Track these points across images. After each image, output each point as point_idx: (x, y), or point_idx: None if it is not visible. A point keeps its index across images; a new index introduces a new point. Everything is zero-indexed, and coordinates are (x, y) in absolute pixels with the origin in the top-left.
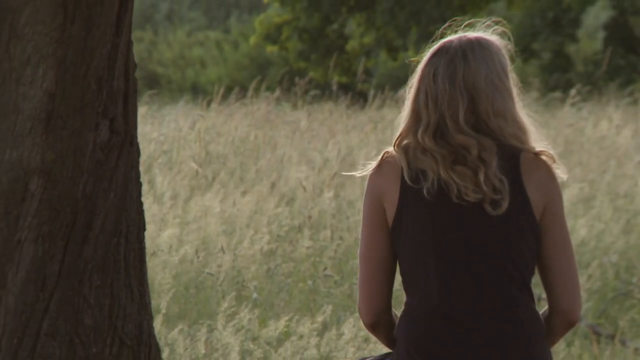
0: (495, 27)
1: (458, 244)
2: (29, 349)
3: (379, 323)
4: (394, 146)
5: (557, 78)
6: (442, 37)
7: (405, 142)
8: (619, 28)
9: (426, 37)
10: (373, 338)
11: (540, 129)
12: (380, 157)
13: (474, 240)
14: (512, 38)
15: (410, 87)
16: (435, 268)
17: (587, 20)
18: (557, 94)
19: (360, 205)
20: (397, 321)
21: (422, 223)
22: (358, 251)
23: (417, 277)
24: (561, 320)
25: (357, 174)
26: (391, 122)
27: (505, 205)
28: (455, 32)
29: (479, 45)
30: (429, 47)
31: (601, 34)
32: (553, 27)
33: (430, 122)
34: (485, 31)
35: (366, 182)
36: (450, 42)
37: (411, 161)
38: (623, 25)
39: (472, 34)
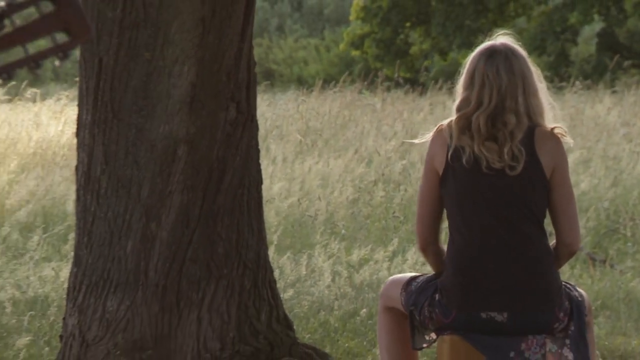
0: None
1: (488, 198)
2: (177, 270)
3: (428, 249)
4: (447, 124)
5: (562, 73)
6: (478, 44)
7: (454, 122)
8: (607, 36)
9: (467, 43)
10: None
11: (556, 110)
12: (435, 129)
13: (499, 194)
14: (522, 45)
15: (468, 82)
16: (472, 214)
17: (584, 30)
18: (563, 84)
19: (419, 166)
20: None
21: (462, 183)
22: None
23: (458, 220)
24: (565, 250)
25: (417, 141)
26: (443, 104)
27: (519, 168)
28: (484, 40)
29: (515, 48)
30: (472, 51)
31: (595, 40)
32: (558, 35)
33: (491, 105)
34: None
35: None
36: (497, 46)
37: (455, 138)
38: (611, 34)
39: (503, 40)
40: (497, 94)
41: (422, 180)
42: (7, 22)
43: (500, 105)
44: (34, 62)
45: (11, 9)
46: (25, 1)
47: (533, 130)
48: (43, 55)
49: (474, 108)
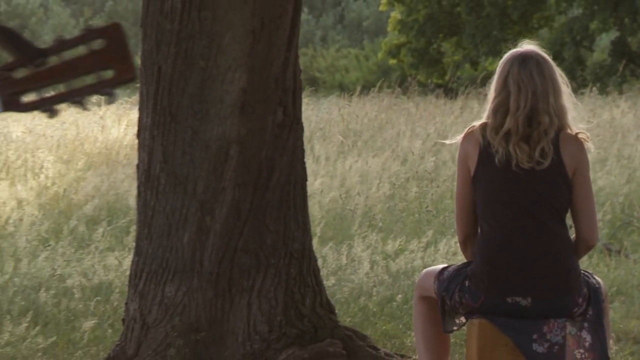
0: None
1: (516, 194)
2: (229, 259)
3: (467, 242)
4: (480, 126)
5: (577, 77)
6: (504, 52)
7: (489, 124)
8: (621, 45)
9: (493, 52)
10: (458, 253)
11: (580, 110)
12: (465, 131)
13: (526, 191)
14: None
15: (502, 86)
16: (500, 209)
17: (600, 39)
18: (582, 91)
19: (450, 165)
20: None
21: (493, 180)
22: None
23: (488, 213)
24: (584, 245)
25: (448, 142)
26: (471, 108)
27: (546, 164)
28: (510, 48)
29: (544, 54)
30: (499, 59)
31: (609, 48)
32: (576, 42)
33: (527, 107)
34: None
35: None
36: (528, 52)
37: (487, 137)
38: (624, 42)
39: (531, 47)
40: (532, 97)
41: (457, 180)
42: (55, 58)
43: (535, 107)
44: (79, 97)
45: (60, 45)
46: (74, 39)
47: (558, 134)
48: (86, 91)
49: (513, 110)
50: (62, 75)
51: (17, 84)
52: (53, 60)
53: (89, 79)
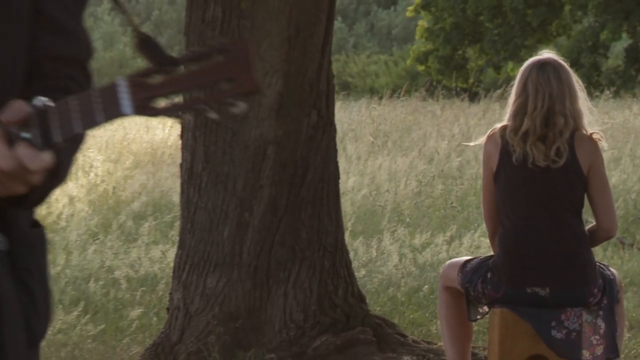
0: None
1: (533, 190)
2: (267, 252)
3: (494, 237)
4: (501, 128)
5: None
6: (526, 59)
7: (509, 126)
8: (634, 51)
9: (514, 57)
10: (481, 246)
11: (594, 114)
12: (488, 133)
13: (543, 187)
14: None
15: (521, 90)
16: (519, 204)
17: (615, 46)
18: (597, 94)
19: (473, 164)
20: None
21: (512, 178)
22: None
23: (508, 209)
24: (604, 235)
25: (472, 143)
26: (493, 110)
27: (561, 163)
28: (531, 55)
29: (561, 61)
30: (520, 64)
31: (623, 54)
32: (592, 49)
33: (544, 108)
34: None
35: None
36: (547, 59)
37: (507, 138)
38: (636, 49)
39: (549, 55)
40: (549, 99)
41: (483, 179)
42: (185, 67)
43: (551, 109)
44: (204, 105)
45: (192, 56)
46: (205, 50)
47: (574, 134)
48: (211, 99)
49: (531, 111)
50: (190, 83)
51: (149, 89)
52: (183, 69)
53: (215, 89)
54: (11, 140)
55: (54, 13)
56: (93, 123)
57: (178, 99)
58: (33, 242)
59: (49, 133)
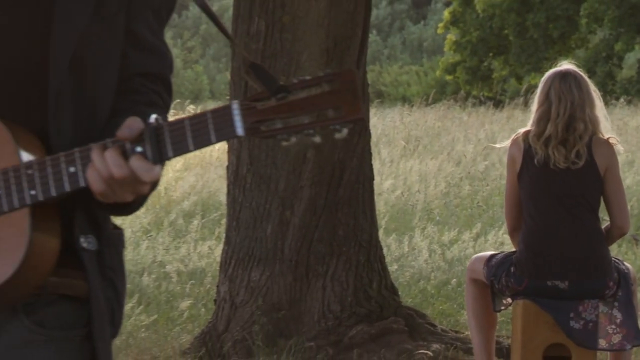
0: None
1: (554, 190)
2: (306, 248)
3: (514, 233)
4: (524, 133)
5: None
6: (546, 69)
7: (532, 131)
8: None
9: (536, 68)
10: (505, 242)
11: (609, 122)
12: (512, 138)
13: (562, 187)
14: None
15: (544, 98)
16: (541, 203)
17: (629, 57)
18: (613, 102)
19: (498, 166)
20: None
21: (534, 179)
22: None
23: (530, 207)
24: (618, 232)
25: (497, 146)
26: (517, 117)
27: (580, 164)
28: (552, 66)
29: (581, 72)
30: (541, 74)
31: (636, 65)
32: (606, 60)
33: (566, 115)
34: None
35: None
36: (568, 70)
37: (530, 142)
38: None
39: (569, 66)
40: (571, 106)
41: (506, 181)
42: (294, 94)
43: (572, 115)
44: (312, 129)
45: (301, 84)
46: (313, 79)
47: (592, 138)
48: (318, 125)
49: (554, 117)
50: (299, 110)
51: (260, 113)
52: (292, 96)
53: (322, 115)
54: (125, 153)
55: (142, 32)
56: (207, 142)
57: (287, 122)
58: (116, 242)
59: (164, 148)
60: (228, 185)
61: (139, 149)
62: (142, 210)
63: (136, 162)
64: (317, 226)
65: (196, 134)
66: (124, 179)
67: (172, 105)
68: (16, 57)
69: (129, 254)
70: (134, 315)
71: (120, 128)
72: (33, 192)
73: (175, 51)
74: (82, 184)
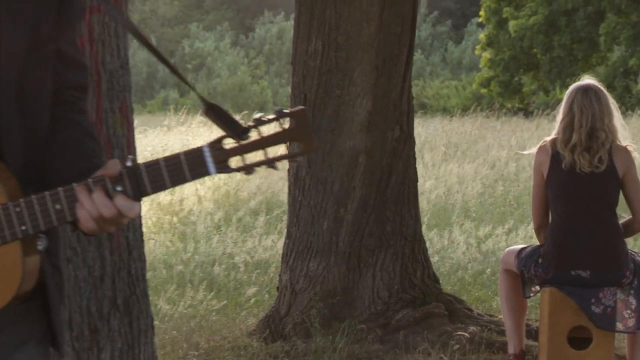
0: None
1: (579, 192)
2: (358, 242)
3: (540, 230)
4: (551, 141)
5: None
6: (570, 84)
7: (559, 139)
8: None
9: (562, 84)
10: (534, 237)
11: (627, 131)
12: (539, 144)
13: (586, 189)
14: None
15: (568, 110)
16: (567, 203)
17: None
18: (629, 113)
19: (528, 169)
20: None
21: (561, 181)
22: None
23: (558, 207)
24: (638, 225)
25: (526, 152)
26: (544, 127)
27: (602, 168)
28: (575, 81)
29: (601, 86)
30: (566, 88)
31: None
32: (623, 75)
33: (588, 125)
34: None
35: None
36: (589, 84)
37: (557, 149)
38: None
39: (590, 81)
40: (592, 118)
41: (533, 183)
42: (254, 133)
43: (594, 126)
44: (273, 162)
45: (258, 123)
46: (269, 119)
47: (612, 145)
48: (280, 158)
49: (577, 127)
50: (260, 146)
51: (227, 153)
52: (253, 135)
53: (280, 150)
54: (107, 192)
55: (68, 50)
56: (183, 180)
57: (251, 157)
58: (57, 234)
59: (143, 187)
60: (289, 186)
61: (119, 188)
62: (214, 208)
63: (120, 201)
64: (368, 222)
65: (172, 173)
66: (111, 217)
67: (242, 115)
68: None
69: (201, 247)
70: (206, 300)
71: (103, 169)
72: (24, 228)
73: (242, 68)
74: (69, 219)
